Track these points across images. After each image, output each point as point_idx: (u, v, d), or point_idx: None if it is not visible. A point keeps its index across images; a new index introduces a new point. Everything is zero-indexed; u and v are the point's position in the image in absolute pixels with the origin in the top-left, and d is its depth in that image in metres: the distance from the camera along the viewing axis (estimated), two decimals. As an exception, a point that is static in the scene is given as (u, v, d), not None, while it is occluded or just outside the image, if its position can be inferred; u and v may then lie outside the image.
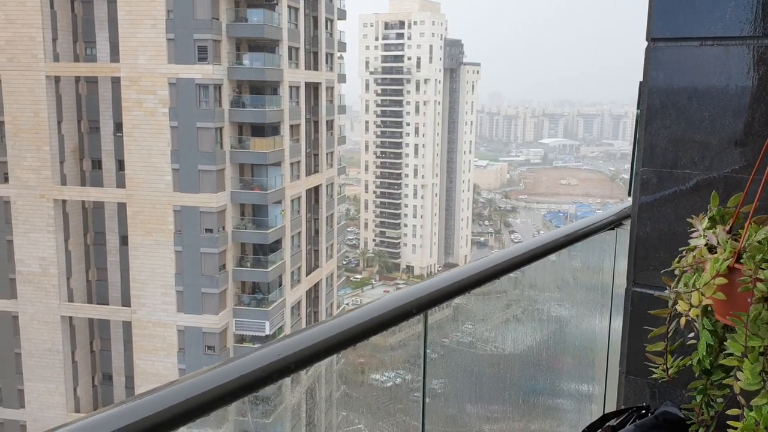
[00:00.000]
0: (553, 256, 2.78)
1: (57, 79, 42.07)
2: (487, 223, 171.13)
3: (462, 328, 2.75)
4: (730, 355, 1.53)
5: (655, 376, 1.77)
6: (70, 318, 44.16)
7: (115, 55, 41.37)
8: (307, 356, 1.52)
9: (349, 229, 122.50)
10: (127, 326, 43.79)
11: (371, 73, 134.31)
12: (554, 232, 2.83)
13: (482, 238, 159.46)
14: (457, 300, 2.25)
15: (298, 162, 48.23)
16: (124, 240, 43.50)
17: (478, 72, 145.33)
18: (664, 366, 1.75)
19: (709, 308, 1.61)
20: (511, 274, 2.51)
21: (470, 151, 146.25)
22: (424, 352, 2.16)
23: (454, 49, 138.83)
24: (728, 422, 1.53)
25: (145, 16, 39.57)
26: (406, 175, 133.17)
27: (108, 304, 44.59)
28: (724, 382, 1.69)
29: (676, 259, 1.67)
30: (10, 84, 41.21)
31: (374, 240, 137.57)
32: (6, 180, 42.46)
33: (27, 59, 40.80)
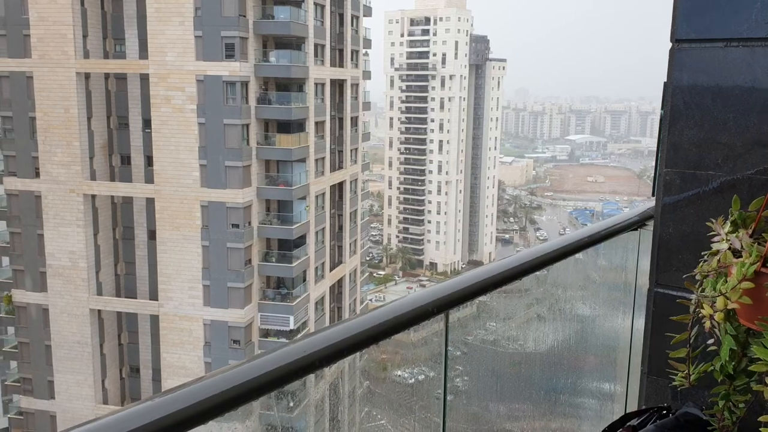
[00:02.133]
0: (577, 255, 2.79)
1: (87, 76, 42.69)
2: (512, 220, 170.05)
3: (486, 326, 2.76)
4: (755, 360, 1.53)
5: (675, 383, 1.77)
6: (99, 311, 44.85)
7: (143, 52, 41.84)
8: (332, 353, 1.56)
9: (372, 226, 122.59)
10: (154, 320, 44.35)
11: (396, 69, 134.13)
12: (577, 233, 2.84)
13: (507, 236, 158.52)
14: (481, 298, 2.25)
15: (323, 158, 48.41)
16: (152, 235, 44.04)
17: (503, 68, 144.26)
18: (686, 373, 1.74)
19: (731, 313, 1.59)
20: (535, 273, 2.51)
21: (495, 148, 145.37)
22: (445, 351, 2.18)
23: (479, 45, 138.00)
24: (761, 429, 1.51)
25: (174, 13, 39.94)
26: (430, 172, 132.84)
27: (136, 298, 45.20)
28: (749, 387, 1.67)
29: (700, 265, 1.67)
30: (42, 81, 41.89)
31: (398, 236, 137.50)
32: (37, 175, 43.22)
33: (58, 56, 41.44)
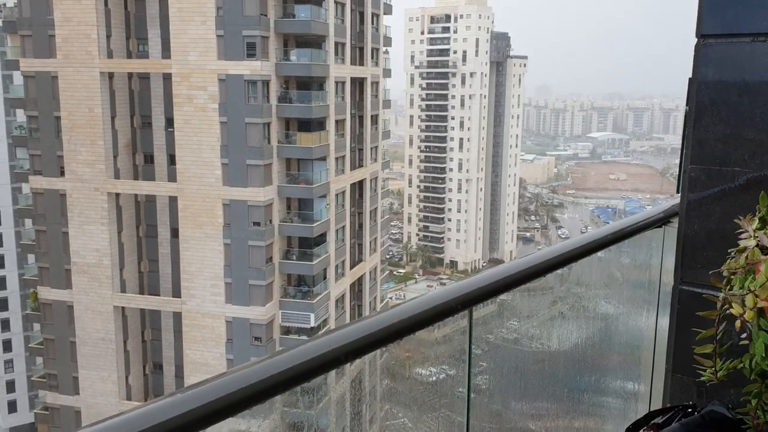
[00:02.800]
0: (599, 253, 2.77)
1: (111, 76, 43.17)
2: (533, 218, 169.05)
3: (507, 325, 2.74)
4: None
5: (703, 378, 1.75)
6: (123, 308, 45.38)
7: (166, 52, 42.19)
8: (355, 349, 1.57)
9: (392, 224, 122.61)
10: (177, 317, 44.76)
11: (416, 67, 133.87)
12: (601, 230, 2.81)
13: (528, 234, 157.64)
14: (503, 296, 2.24)
15: (343, 156, 48.49)
16: (174, 233, 44.43)
17: (525, 65, 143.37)
18: (713, 368, 1.73)
19: (761, 310, 1.57)
20: (558, 271, 2.49)
21: (516, 145, 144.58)
22: (469, 348, 2.18)
23: (500, 42, 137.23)
24: None
25: (196, 13, 40.23)
26: (451, 170, 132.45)
27: (159, 295, 45.65)
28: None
29: (727, 263, 1.65)
30: (66, 80, 42.43)
31: (418, 234, 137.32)
32: (62, 173, 43.80)
33: (82, 56, 41.94)
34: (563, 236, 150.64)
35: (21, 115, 50.04)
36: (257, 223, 42.02)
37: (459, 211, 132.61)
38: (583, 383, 3.28)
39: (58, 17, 41.78)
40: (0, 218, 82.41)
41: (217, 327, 43.26)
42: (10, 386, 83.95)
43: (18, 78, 48.36)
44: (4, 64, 66.18)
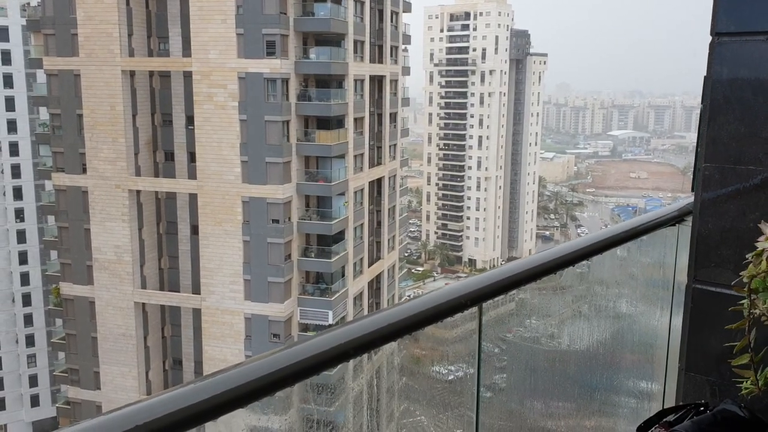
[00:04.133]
0: (614, 251, 2.76)
1: (132, 74, 43.57)
2: (552, 216, 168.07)
3: (524, 323, 2.74)
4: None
5: (743, 392, 1.71)
6: (143, 304, 45.83)
7: (187, 50, 42.49)
8: (366, 342, 1.58)
9: (411, 221, 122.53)
10: (197, 313, 45.12)
11: (436, 65, 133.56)
12: (615, 227, 2.81)
13: (547, 232, 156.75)
14: (520, 294, 2.24)
15: (362, 154, 48.54)
16: (194, 229, 44.77)
17: (545, 63, 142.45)
18: (755, 379, 1.67)
19: None
20: (576, 270, 2.48)
21: (536, 143, 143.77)
22: (479, 345, 2.18)
23: (520, 39, 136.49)
24: None
25: (216, 11, 40.47)
26: (470, 168, 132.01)
27: (179, 292, 46.04)
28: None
29: (748, 268, 1.61)
30: (89, 78, 42.90)
31: (436, 232, 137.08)
32: (84, 171, 44.31)
33: (104, 54, 42.37)
34: (583, 235, 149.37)
35: (44, 113, 50.62)
36: (276, 221, 42.21)
37: (478, 209, 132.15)
38: (596, 381, 3.27)
39: (81, 16, 42.22)
40: (23, 215, 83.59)
41: (236, 324, 43.54)
42: (33, 380, 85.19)
43: (41, 76, 48.96)
44: (28, 63, 67.07)
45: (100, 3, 41.73)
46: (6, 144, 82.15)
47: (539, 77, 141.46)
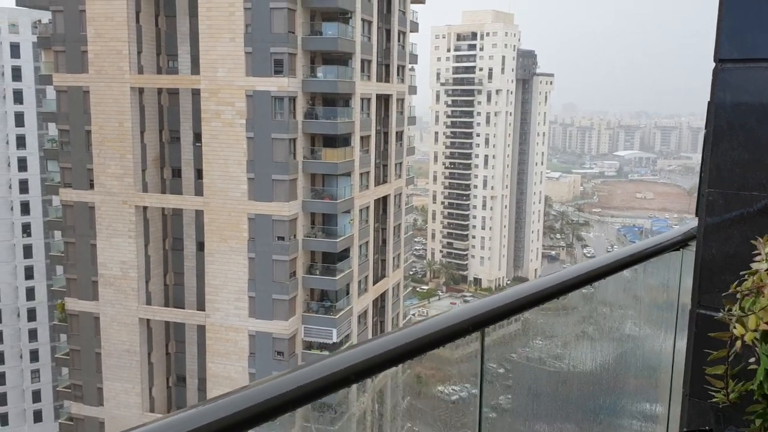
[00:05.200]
0: (619, 274, 2.76)
1: (141, 91, 43.92)
2: (558, 236, 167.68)
3: (530, 344, 2.74)
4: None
5: (715, 400, 1.75)
6: (148, 320, 45.78)
7: (195, 68, 42.83)
8: (369, 367, 1.59)
9: (416, 240, 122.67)
10: (201, 330, 45.05)
11: (442, 84, 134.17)
12: (620, 251, 2.81)
13: (553, 252, 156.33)
14: (526, 314, 2.23)
15: (368, 172, 48.67)
16: (200, 246, 44.84)
17: (551, 83, 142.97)
18: (725, 390, 1.73)
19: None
20: (583, 290, 2.48)
21: (542, 163, 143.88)
22: (481, 369, 2.17)
23: (527, 59, 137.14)
24: None
25: (225, 30, 40.83)
26: (475, 186, 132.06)
27: (184, 308, 46.00)
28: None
29: (735, 283, 1.66)
30: (98, 95, 43.25)
31: (441, 251, 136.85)
32: (91, 186, 44.52)
33: (113, 71, 42.75)
34: (588, 255, 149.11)
35: (53, 129, 51.00)
36: (281, 238, 42.24)
37: (483, 228, 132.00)
38: (600, 404, 3.26)
39: (91, 33, 42.66)
40: (30, 230, 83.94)
41: (240, 341, 43.43)
42: (36, 396, 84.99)
43: (51, 92, 49.42)
44: (38, 79, 67.73)
45: (110, 21, 42.16)
46: (15, 159, 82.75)
47: (545, 97, 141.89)
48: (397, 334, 1.75)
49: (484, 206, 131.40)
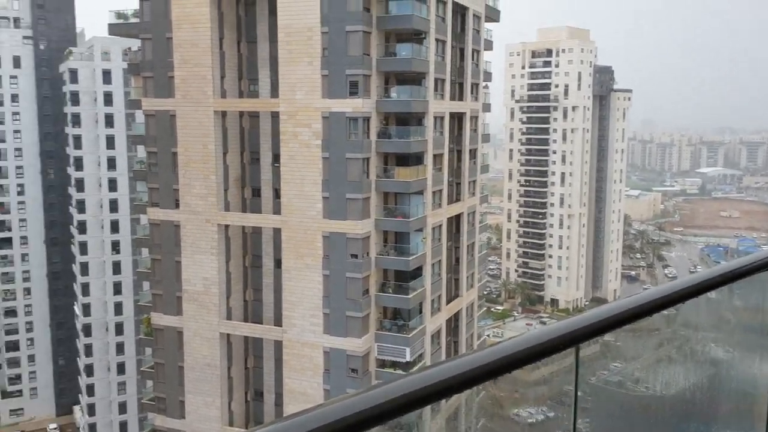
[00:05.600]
0: (709, 294, 2.66)
1: (224, 114, 45.53)
2: (638, 256, 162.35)
3: (610, 366, 2.67)
4: None
5: None
6: (228, 335, 47.02)
7: (275, 91, 44.09)
8: (452, 386, 1.58)
9: (490, 259, 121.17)
10: (278, 345, 45.88)
11: (517, 101, 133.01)
12: (710, 270, 2.70)
13: (633, 272, 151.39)
14: (606, 337, 2.18)
15: (441, 190, 48.67)
16: (278, 263, 45.81)
17: (629, 99, 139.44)
18: None
19: None
20: (665, 312, 2.41)
21: (621, 180, 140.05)
22: (576, 387, 2.12)
23: (603, 75, 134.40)
24: None
25: (303, 54, 41.92)
26: (552, 205, 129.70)
27: (262, 323, 47.01)
28: None
29: None
30: (184, 119, 45.10)
31: (517, 270, 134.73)
32: (177, 206, 46.29)
33: (198, 96, 44.52)
34: (670, 275, 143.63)
35: (141, 151, 53.41)
36: (355, 255, 42.62)
37: (560, 247, 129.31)
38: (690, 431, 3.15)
39: (177, 60, 44.60)
40: (119, 247, 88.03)
41: (315, 357, 43.95)
42: (122, 407, 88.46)
43: (140, 116, 51.87)
44: (128, 104, 71.35)
45: (196, 47, 44.00)
46: (105, 180, 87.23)
47: (623, 113, 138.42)
48: (490, 350, 1.73)
49: (561, 225, 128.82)
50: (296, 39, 41.78)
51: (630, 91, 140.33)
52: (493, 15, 55.96)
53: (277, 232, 45.26)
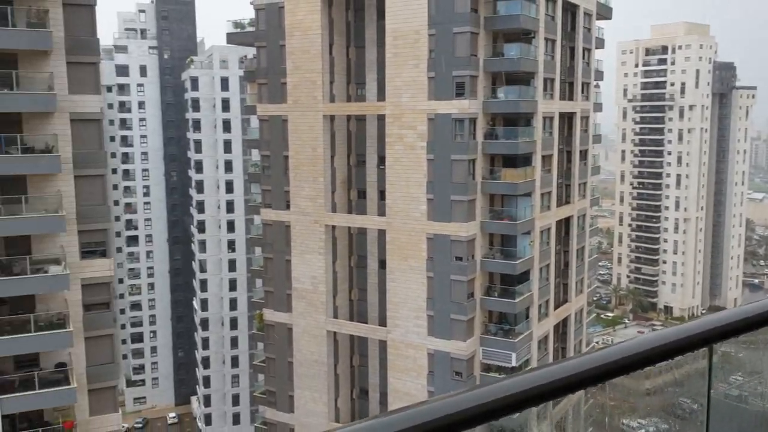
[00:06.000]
0: None
1: (332, 118, 46.76)
2: (762, 263, 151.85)
3: (728, 379, 2.52)
4: None
5: None
6: (335, 333, 48.21)
7: (381, 94, 44.79)
8: (591, 377, 1.54)
9: (600, 264, 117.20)
10: (382, 345, 46.54)
11: (629, 100, 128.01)
12: None
13: (756, 280, 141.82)
14: (723, 347, 2.07)
15: (549, 192, 47.68)
16: (382, 264, 46.46)
17: (753, 96, 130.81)
18: None
19: None
20: None
21: (743, 183, 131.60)
22: (708, 390, 2.03)
23: (724, 72, 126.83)
24: None
25: (410, 56, 42.30)
26: (666, 208, 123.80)
27: (367, 323, 47.84)
28: None
29: None
30: (294, 123, 46.69)
31: (628, 276, 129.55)
32: (288, 207, 48.01)
33: (308, 101, 45.95)
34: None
35: (256, 155, 55.66)
36: (459, 258, 42.49)
37: (675, 252, 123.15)
38: None
39: (290, 66, 46.23)
40: (235, 246, 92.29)
41: (419, 358, 44.21)
42: (235, 399, 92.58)
43: (255, 121, 54.17)
44: (244, 110, 74.70)
45: (307, 53, 45.45)
46: (223, 182, 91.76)
47: (746, 112, 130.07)
48: (613, 348, 1.67)
49: (676, 229, 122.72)
50: (403, 42, 42.24)
51: (754, 88, 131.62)
52: (604, 12, 54.23)
53: (381, 233, 45.90)
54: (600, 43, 54.63)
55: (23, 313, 28.57)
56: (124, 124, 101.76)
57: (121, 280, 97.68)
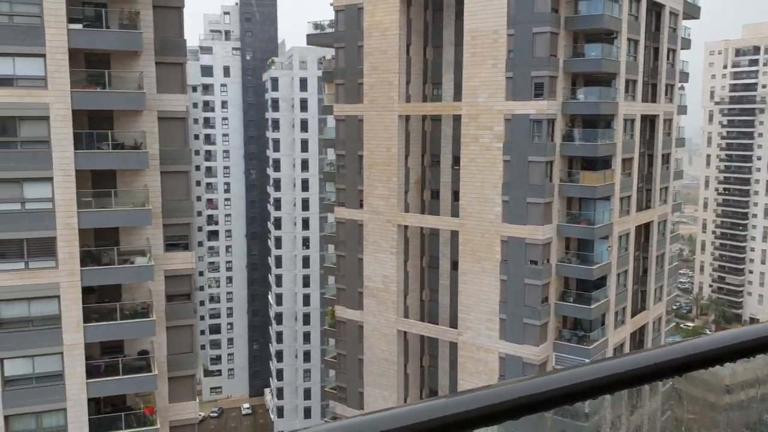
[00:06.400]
0: None
1: (407, 118, 46.94)
2: None
3: None
4: None
5: None
6: (405, 333, 48.39)
7: (458, 94, 44.63)
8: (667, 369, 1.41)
9: (681, 272, 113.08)
10: (453, 347, 46.38)
11: (716, 103, 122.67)
12: None
13: None
14: None
15: (629, 197, 46.34)
16: (454, 265, 46.33)
17: None
18: None
19: None
20: None
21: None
22: None
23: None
24: None
25: (488, 57, 41.96)
26: (754, 216, 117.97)
27: (437, 324, 47.79)
28: None
29: None
30: (370, 123, 47.15)
31: (711, 285, 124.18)
32: (361, 206, 48.55)
33: (384, 101, 46.29)
34: None
35: (331, 154, 56.61)
36: (534, 262, 41.84)
37: (763, 262, 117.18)
38: None
39: (367, 67, 46.71)
40: (309, 243, 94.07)
41: (490, 361, 43.81)
42: (307, 394, 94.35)
43: (331, 121, 55.04)
44: (321, 109, 76.05)
45: (384, 54, 45.80)
46: (299, 180, 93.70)
47: None
48: (690, 342, 1.51)
49: (764, 238, 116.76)
50: (481, 42, 41.96)
51: None
52: (692, 12, 52.22)
53: (454, 234, 45.74)
54: (686, 44, 52.66)
55: (110, 302, 30.07)
56: (207, 122, 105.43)
57: (201, 273, 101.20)
